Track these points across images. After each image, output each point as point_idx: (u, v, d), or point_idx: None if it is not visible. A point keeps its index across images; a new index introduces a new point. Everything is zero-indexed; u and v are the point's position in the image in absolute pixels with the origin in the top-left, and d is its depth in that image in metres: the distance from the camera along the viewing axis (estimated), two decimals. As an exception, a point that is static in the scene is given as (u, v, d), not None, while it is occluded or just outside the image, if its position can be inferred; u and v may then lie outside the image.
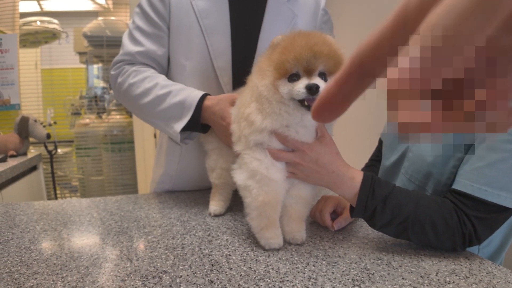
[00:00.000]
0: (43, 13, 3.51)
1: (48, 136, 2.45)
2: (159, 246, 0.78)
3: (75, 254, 0.75)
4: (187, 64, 1.02)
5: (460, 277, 0.65)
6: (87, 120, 2.89)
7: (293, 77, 0.66)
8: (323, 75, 0.67)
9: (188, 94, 0.93)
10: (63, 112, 3.06)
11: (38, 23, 3.28)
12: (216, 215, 0.96)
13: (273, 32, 1.01)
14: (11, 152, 2.35)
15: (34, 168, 2.54)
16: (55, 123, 2.85)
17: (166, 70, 1.08)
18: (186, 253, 0.74)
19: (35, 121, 2.42)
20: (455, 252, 0.74)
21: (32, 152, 2.61)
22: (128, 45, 1.03)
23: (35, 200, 2.47)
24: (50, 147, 2.75)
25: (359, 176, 0.72)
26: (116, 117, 2.91)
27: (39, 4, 3.61)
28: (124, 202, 1.12)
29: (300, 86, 0.65)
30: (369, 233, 0.85)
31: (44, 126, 2.49)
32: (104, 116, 2.99)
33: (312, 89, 0.64)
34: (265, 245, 0.74)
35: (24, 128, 2.39)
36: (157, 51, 1.02)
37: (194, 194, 1.15)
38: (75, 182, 3.16)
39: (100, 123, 2.92)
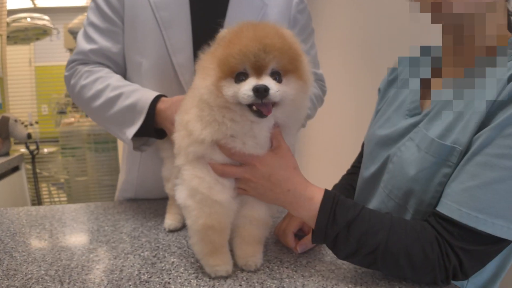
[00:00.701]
0: (34, 9, 3.47)
1: (29, 136, 2.39)
2: (97, 267, 0.70)
3: (11, 272, 0.69)
4: (143, 62, 0.93)
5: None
6: (72, 119, 2.83)
7: (240, 77, 0.56)
8: (277, 74, 0.57)
9: (141, 96, 0.84)
10: (49, 110, 3.02)
11: (28, 19, 3.22)
12: (171, 230, 0.86)
13: None
14: (-9, 153, 2.30)
15: (16, 169, 2.48)
16: (36, 122, 2.80)
17: (124, 69, 0.99)
18: (122, 278, 0.65)
19: (16, 121, 2.38)
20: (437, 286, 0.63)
21: (22, 151, 2.56)
22: (81, 43, 0.94)
23: (18, 201, 2.42)
24: (33, 147, 2.69)
25: (318, 196, 0.62)
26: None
27: (32, 0, 3.56)
28: (82, 211, 1.05)
29: (247, 87, 0.54)
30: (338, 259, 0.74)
31: (25, 126, 2.44)
32: (91, 114, 2.95)
33: (260, 91, 0.53)
34: (210, 273, 0.64)
35: (4, 129, 2.34)
36: (111, 48, 0.93)
37: (157, 203, 1.07)
38: (62, 180, 3.11)
39: (84, 122, 2.87)
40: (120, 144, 2.71)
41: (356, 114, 1.93)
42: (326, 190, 0.63)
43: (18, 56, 3.41)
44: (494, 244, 0.58)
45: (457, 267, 0.59)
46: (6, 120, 2.34)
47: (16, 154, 2.48)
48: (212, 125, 0.58)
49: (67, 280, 0.65)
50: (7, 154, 2.42)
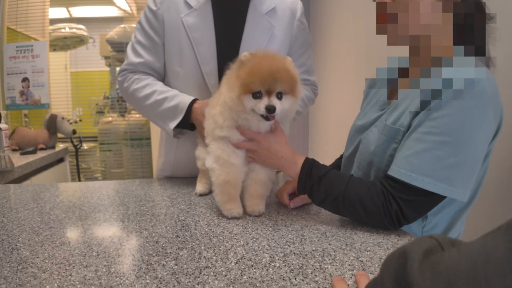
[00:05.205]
0: (71, 20, 3.80)
1: (74, 132, 2.73)
2: (147, 213, 0.99)
3: (83, 217, 0.98)
4: (180, 71, 1.22)
5: (382, 248, 0.75)
6: (110, 118, 3.16)
7: (256, 94, 0.84)
8: (280, 94, 0.86)
9: (181, 99, 1.15)
10: (89, 111, 3.35)
11: (67, 29, 3.56)
12: (201, 195, 1.15)
13: (252, 41, 1.20)
14: (41, 146, 2.65)
15: (61, 160, 2.83)
16: (80, 120, 3.14)
17: (163, 76, 1.29)
18: (166, 219, 0.94)
19: (63, 118, 2.70)
20: (391, 231, 0.85)
21: (61, 146, 2.90)
22: (131, 56, 1.24)
23: (61, 189, 2.76)
24: (76, 142, 3.03)
25: (301, 161, 0.90)
26: (136, 116, 3.18)
27: (68, 11, 3.91)
28: (130, 184, 1.34)
29: (262, 105, 0.83)
30: (321, 212, 1.00)
31: (70, 123, 2.77)
32: (126, 115, 3.27)
33: (270, 110, 0.83)
34: (227, 214, 0.93)
35: (52, 125, 2.68)
36: (154, 62, 1.23)
37: (189, 179, 1.36)
38: (98, 174, 3.44)
39: (121, 121, 3.19)
40: (153, 141, 3.03)
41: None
42: (306, 157, 0.92)
43: (55, 62, 3.76)
44: (426, 196, 0.80)
45: (398, 213, 0.81)
46: (54, 117, 2.69)
47: (61, 147, 2.83)
48: (229, 119, 0.89)
49: (127, 220, 0.93)
50: (53, 147, 2.78)
